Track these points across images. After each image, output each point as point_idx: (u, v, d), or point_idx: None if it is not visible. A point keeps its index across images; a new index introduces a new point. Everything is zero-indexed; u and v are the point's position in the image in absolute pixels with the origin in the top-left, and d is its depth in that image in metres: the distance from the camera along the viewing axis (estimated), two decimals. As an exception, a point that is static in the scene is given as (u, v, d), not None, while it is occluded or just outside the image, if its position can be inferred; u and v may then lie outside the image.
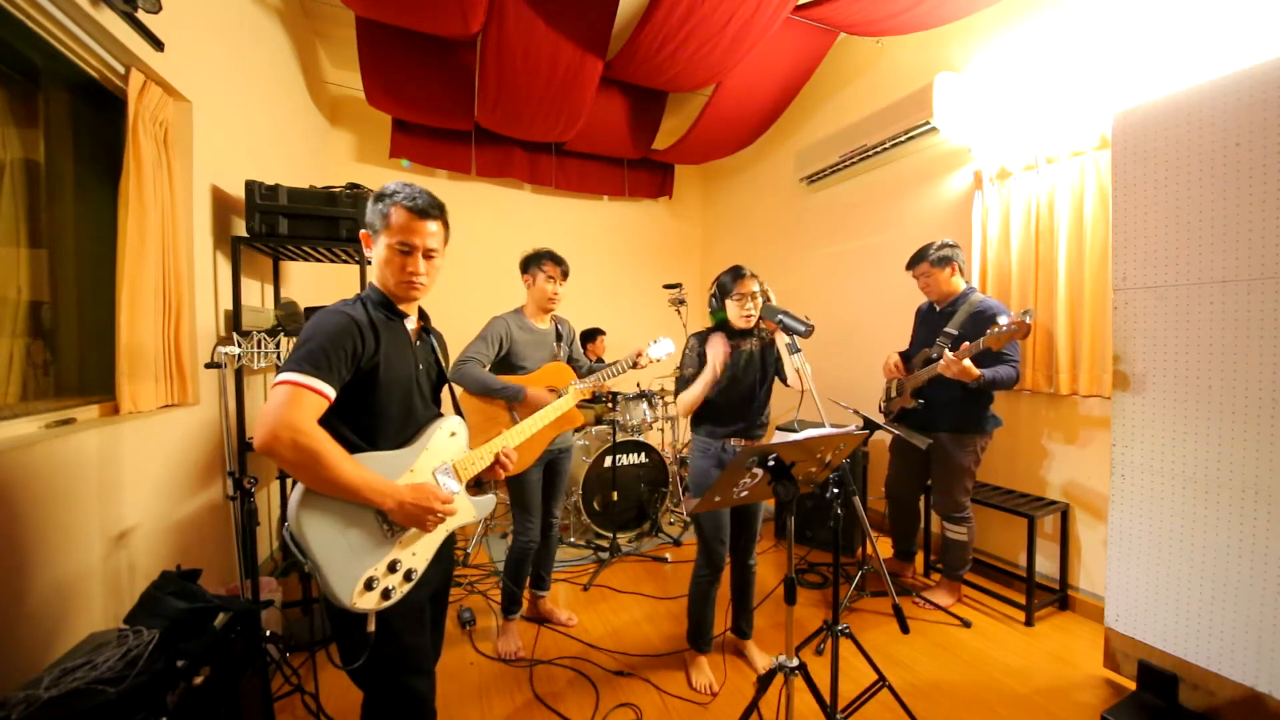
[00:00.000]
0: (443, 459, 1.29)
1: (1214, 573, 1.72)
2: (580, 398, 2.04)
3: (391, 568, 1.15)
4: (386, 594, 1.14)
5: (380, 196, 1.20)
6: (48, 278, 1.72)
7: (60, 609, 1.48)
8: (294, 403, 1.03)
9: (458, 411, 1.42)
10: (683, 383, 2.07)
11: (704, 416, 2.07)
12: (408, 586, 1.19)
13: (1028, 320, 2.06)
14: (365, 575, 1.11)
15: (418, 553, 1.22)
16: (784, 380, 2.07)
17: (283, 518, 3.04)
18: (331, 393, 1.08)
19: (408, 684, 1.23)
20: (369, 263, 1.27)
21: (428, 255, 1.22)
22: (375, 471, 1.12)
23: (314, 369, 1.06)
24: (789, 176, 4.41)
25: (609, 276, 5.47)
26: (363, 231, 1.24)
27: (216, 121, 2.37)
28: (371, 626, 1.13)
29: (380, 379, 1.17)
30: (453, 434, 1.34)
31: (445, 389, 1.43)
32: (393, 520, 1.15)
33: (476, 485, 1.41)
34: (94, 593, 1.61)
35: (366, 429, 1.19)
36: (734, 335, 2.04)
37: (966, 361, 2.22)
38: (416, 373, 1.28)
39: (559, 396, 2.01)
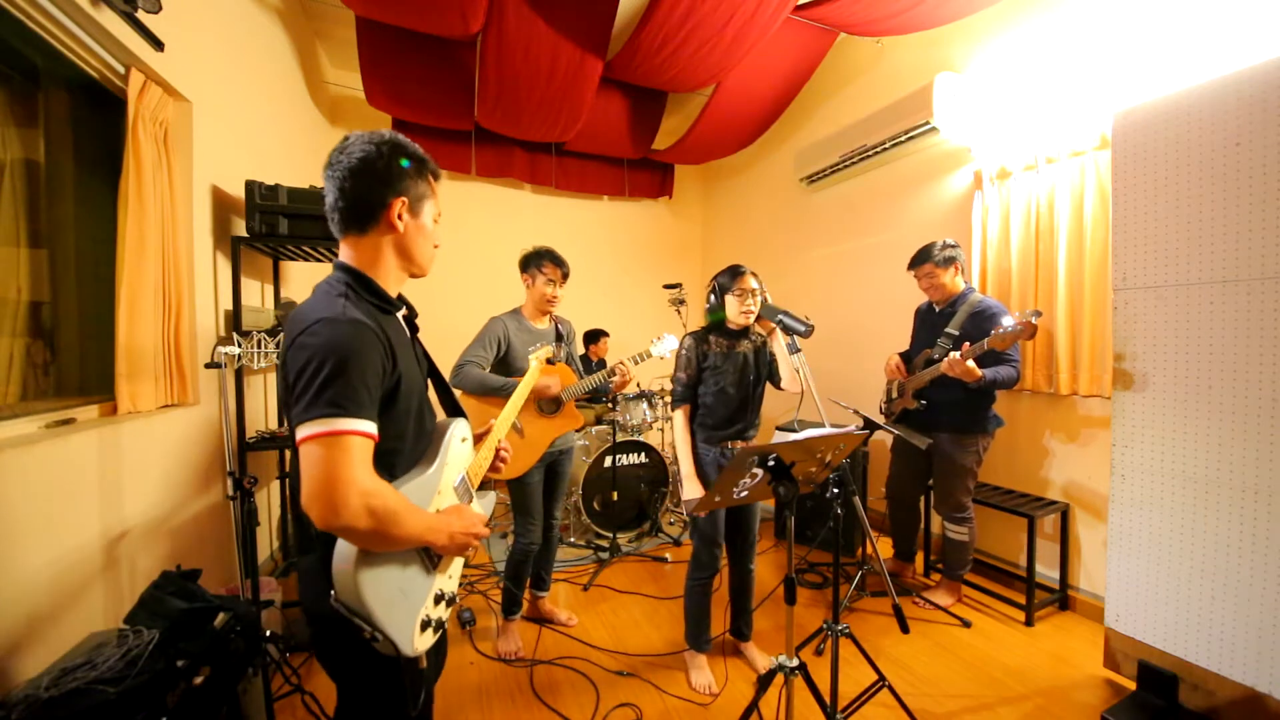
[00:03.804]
0: (459, 471, 1.17)
1: (1214, 573, 1.72)
2: (540, 366, 1.85)
3: (437, 600, 1.06)
4: (438, 626, 1.04)
5: (419, 159, 1.03)
6: (48, 278, 1.72)
7: (60, 609, 1.48)
8: (348, 459, 0.82)
9: (446, 405, 1.30)
10: (677, 384, 2.07)
11: (701, 421, 2.07)
12: (449, 611, 1.10)
13: (1034, 320, 2.06)
14: (421, 617, 0.99)
15: (453, 575, 1.14)
16: (776, 384, 2.06)
17: (283, 516, 3.04)
18: (375, 430, 0.88)
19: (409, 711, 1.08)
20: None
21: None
22: (416, 504, 0.97)
23: (354, 405, 0.84)
24: (789, 176, 4.41)
25: (609, 276, 5.47)
26: (399, 199, 0.99)
27: (216, 121, 2.37)
28: (424, 664, 1.02)
29: (400, 395, 0.98)
30: (464, 439, 1.20)
31: (430, 382, 1.25)
32: (440, 553, 1.03)
33: (479, 486, 1.40)
34: (94, 593, 1.61)
35: (388, 457, 0.98)
36: (729, 336, 2.04)
37: (970, 362, 2.22)
38: (424, 377, 1.14)
39: (557, 409, 1.96)
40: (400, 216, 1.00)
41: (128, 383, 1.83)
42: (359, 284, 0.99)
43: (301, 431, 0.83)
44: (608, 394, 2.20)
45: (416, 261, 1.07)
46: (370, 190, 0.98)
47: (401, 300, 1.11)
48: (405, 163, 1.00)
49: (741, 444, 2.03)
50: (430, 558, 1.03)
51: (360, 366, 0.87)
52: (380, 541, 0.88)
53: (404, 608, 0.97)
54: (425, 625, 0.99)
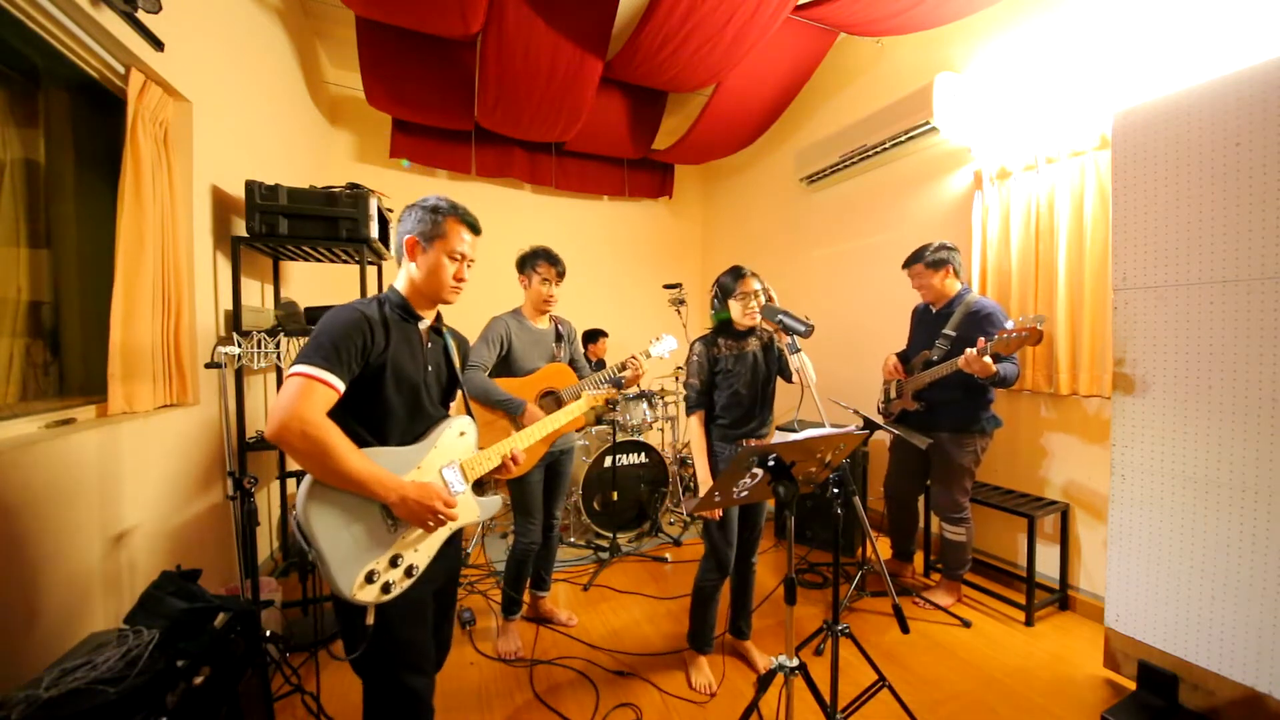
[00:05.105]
0: (450, 458, 1.32)
1: (1214, 572, 1.72)
2: (593, 403, 1.99)
3: (393, 562, 1.18)
4: (387, 588, 1.16)
5: (435, 210, 1.28)
6: (48, 278, 1.72)
7: (60, 609, 1.48)
8: (304, 394, 1.07)
9: (469, 413, 1.44)
10: (690, 390, 2.06)
11: (717, 420, 2.06)
12: (408, 582, 1.21)
13: (1039, 326, 2.04)
14: (366, 568, 1.13)
15: (420, 549, 1.24)
16: (787, 378, 2.07)
17: (283, 516, 3.05)
18: (340, 385, 1.12)
19: (403, 680, 1.24)
20: (379, 264, 1.30)
21: (469, 264, 1.35)
22: (382, 466, 1.15)
23: (324, 361, 1.10)
24: (789, 176, 4.41)
25: (609, 276, 5.47)
26: (410, 237, 1.27)
27: (216, 121, 2.37)
28: (370, 619, 1.16)
29: (388, 376, 1.21)
30: (461, 433, 1.37)
31: (458, 392, 1.47)
32: (395, 515, 1.18)
33: (477, 486, 1.41)
34: (94, 593, 1.61)
35: (376, 424, 1.23)
36: (737, 336, 2.04)
37: (986, 358, 2.20)
38: (425, 374, 1.31)
39: (557, 408, 1.98)
40: (413, 249, 1.28)
41: (120, 384, 1.82)
42: (392, 295, 1.30)
43: (290, 370, 1.10)
44: (620, 388, 2.23)
45: (430, 287, 1.29)
46: (402, 229, 1.30)
47: (438, 319, 1.41)
48: (432, 207, 1.28)
49: (757, 442, 2.02)
50: (391, 519, 1.18)
51: (339, 337, 1.13)
52: (319, 469, 1.08)
53: (351, 550, 1.12)
54: (371, 578, 1.13)
